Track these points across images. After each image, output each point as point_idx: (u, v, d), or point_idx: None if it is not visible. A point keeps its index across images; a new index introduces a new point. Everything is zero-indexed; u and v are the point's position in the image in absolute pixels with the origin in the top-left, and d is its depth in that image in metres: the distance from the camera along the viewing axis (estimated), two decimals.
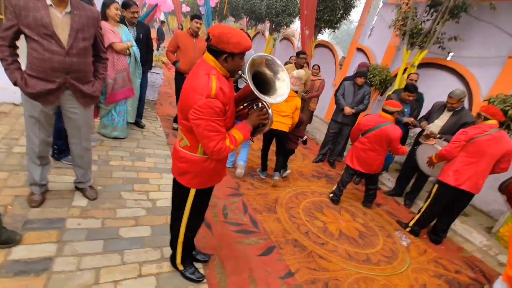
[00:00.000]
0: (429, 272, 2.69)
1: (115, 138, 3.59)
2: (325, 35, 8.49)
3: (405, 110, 3.90)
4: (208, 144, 1.40)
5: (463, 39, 4.58)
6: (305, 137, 3.82)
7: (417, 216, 3.25)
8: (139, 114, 4.17)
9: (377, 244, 2.93)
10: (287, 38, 10.39)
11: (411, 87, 3.79)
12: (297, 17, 9.46)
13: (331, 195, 3.61)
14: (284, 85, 1.49)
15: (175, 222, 1.81)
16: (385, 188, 4.40)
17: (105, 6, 3.10)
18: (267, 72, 1.50)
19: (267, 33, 11.47)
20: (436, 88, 5.00)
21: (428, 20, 4.76)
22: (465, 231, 3.56)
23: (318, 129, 6.63)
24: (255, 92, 1.35)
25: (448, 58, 5.02)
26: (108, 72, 3.14)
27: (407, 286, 2.43)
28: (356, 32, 7.06)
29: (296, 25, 14.43)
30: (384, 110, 3.23)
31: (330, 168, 4.74)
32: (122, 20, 3.47)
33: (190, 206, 1.71)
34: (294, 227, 2.84)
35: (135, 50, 3.43)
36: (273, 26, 10.34)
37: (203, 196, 1.77)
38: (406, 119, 3.84)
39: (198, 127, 1.37)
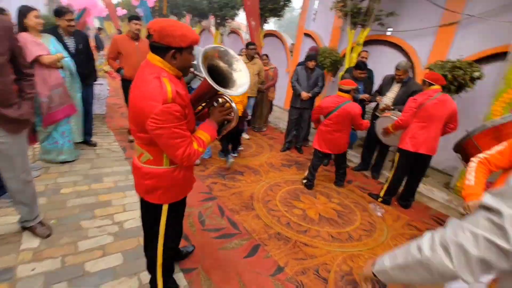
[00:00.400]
0: (406, 235, 2.84)
1: (63, 162, 3.20)
2: (271, 24, 8.50)
3: (359, 87, 4.05)
4: (176, 153, 1.25)
5: (399, 14, 4.87)
6: (249, 117, 4.69)
7: (385, 186, 3.41)
8: (88, 131, 3.77)
9: (355, 220, 3.01)
10: (234, 32, 10.24)
11: (361, 65, 3.93)
12: (241, 9, 9.34)
13: (304, 181, 3.63)
14: (242, 75, 1.39)
15: (149, 244, 1.63)
16: (352, 165, 4.56)
17: (21, 15, 2.68)
18: (222, 64, 1.39)
19: (213, 29, 11.19)
20: (383, 63, 5.27)
21: None
22: (428, 191, 3.84)
23: (279, 118, 6.67)
24: (214, 86, 1.23)
25: (388, 33, 5.32)
26: (40, 89, 2.76)
27: None
28: (301, 17, 7.17)
29: (241, 18, 14.31)
30: (340, 90, 3.29)
31: (298, 154, 4.78)
32: (54, 30, 3.08)
33: (165, 224, 1.55)
34: (274, 221, 2.79)
35: (69, 61, 3.05)
36: (218, 21, 10.10)
37: (177, 209, 1.62)
38: (362, 96, 3.99)
39: (160, 137, 1.22)
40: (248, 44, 4.51)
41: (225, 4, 9.22)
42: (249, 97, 4.77)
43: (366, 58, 4.38)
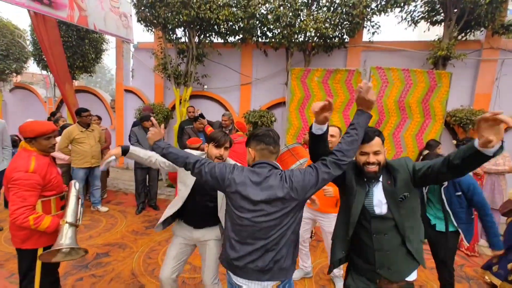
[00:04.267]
0: None
1: None
2: (81, 81, 7.77)
3: (201, 138, 4.71)
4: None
5: (210, 76, 6.12)
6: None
7: None
8: None
9: None
10: (23, 87, 8.31)
11: (199, 117, 4.65)
12: (31, 61, 7.82)
13: None
14: None
15: None
16: None
17: None
18: None
19: None
20: (208, 112, 6.22)
21: (182, 63, 5.87)
22: None
23: (118, 179, 6.18)
24: None
25: (205, 90, 6.48)
26: None
27: None
28: (118, 75, 7.10)
29: (33, 70, 11.78)
30: (191, 148, 3.75)
31: (155, 211, 4.71)
32: None
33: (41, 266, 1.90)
34: None
35: None
36: None
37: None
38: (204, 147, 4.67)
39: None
40: (80, 111, 4.07)
41: (4, 56, 7.38)
42: (95, 167, 4.30)
43: (193, 112, 5.14)
